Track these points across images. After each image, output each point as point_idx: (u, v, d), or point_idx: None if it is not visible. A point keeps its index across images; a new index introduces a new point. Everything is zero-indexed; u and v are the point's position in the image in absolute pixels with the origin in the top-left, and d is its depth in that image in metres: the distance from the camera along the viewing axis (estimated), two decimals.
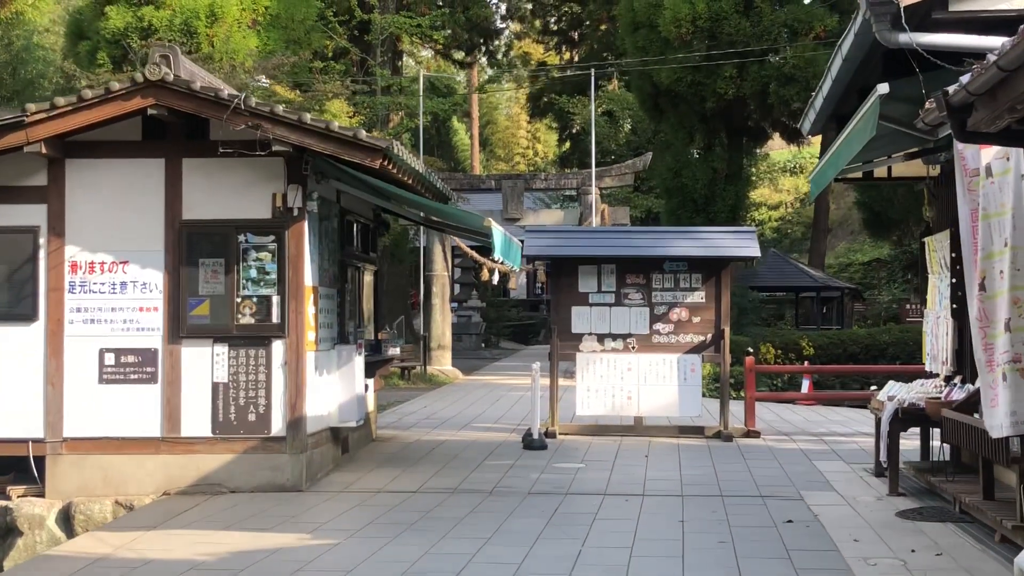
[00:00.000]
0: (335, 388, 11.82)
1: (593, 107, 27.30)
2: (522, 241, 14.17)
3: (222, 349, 10.89)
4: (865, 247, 47.70)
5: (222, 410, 10.86)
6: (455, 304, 38.69)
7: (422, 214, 12.73)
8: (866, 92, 8.53)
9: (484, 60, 40.90)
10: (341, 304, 12.36)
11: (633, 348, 14.66)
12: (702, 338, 14.65)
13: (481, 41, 36.64)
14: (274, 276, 10.86)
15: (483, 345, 37.45)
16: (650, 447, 13.72)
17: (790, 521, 9.21)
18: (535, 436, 13.57)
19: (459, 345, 35.77)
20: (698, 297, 14.69)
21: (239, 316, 10.86)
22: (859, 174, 11.96)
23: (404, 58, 36.97)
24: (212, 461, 10.84)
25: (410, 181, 11.57)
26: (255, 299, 10.88)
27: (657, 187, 30.69)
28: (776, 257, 34.73)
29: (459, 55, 39.30)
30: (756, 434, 14.66)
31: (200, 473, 10.82)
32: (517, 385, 23.38)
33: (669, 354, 14.59)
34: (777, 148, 52.45)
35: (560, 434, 14.63)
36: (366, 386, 12.95)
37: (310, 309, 11.12)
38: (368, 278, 14.06)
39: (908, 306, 35.83)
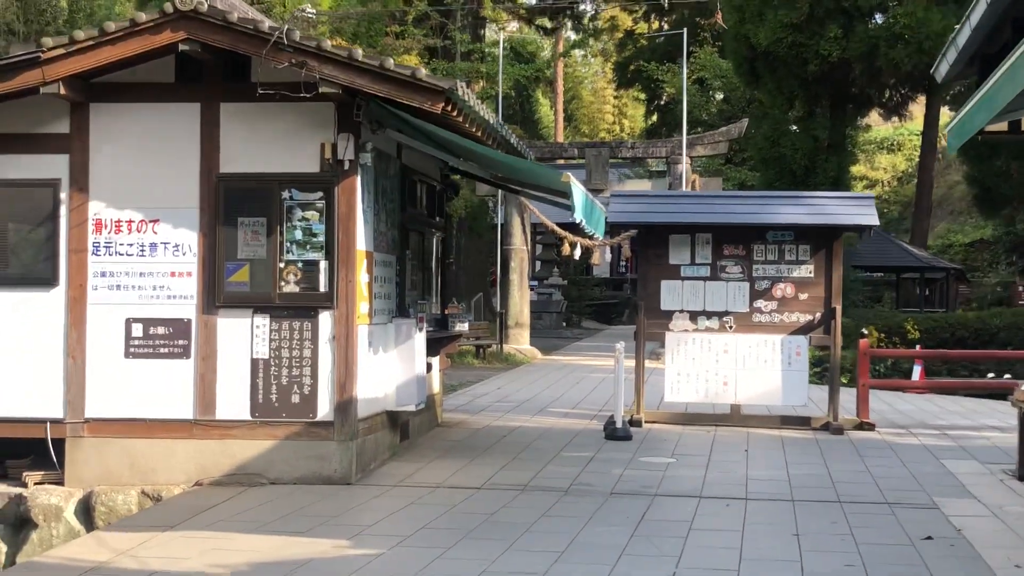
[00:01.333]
0: (392, 367, 10.42)
1: (685, 67, 25.51)
2: (607, 205, 12.64)
3: (263, 321, 9.55)
4: (966, 228, 45.33)
5: (262, 390, 9.53)
6: (535, 282, 37.27)
7: (493, 174, 11.25)
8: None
9: (569, 25, 39.20)
10: (401, 273, 10.95)
11: (730, 328, 13.04)
12: (809, 317, 12.97)
13: (567, 5, 34.97)
14: (322, 239, 9.48)
15: (564, 324, 35.94)
16: (749, 440, 12.11)
17: (929, 538, 7.57)
18: (618, 425, 12.05)
19: (538, 324, 34.32)
20: (805, 271, 13.01)
21: (282, 283, 9.51)
22: (1004, 125, 10.17)
23: (487, 26, 35.52)
24: (250, 448, 9.52)
25: (479, 133, 10.09)
26: (300, 264, 9.51)
27: (752, 158, 28.80)
28: (877, 235, 32.58)
29: (543, 21, 37.66)
30: (870, 427, 12.96)
31: (236, 461, 9.51)
32: (599, 367, 21.85)
33: (771, 335, 12.94)
34: (875, 126, 50.06)
35: (646, 422, 13.09)
36: (429, 365, 11.55)
37: (363, 277, 9.73)
38: (434, 246, 12.64)
39: (1021, 288, 33.56)
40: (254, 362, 9.54)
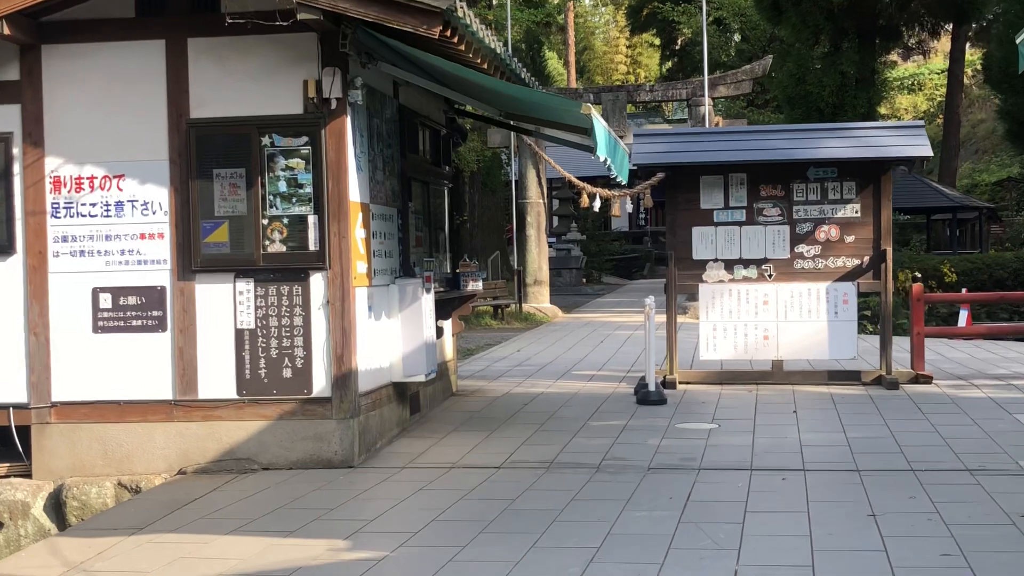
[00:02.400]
0: (396, 333, 9.27)
1: (705, 2, 24.08)
2: (629, 147, 11.45)
3: (246, 286, 8.40)
4: (992, 167, 43.95)
5: (249, 365, 8.40)
6: (553, 239, 36.08)
7: (503, 113, 10.04)
8: None
9: None
10: (404, 228, 9.77)
11: (770, 276, 11.84)
12: (857, 262, 11.74)
13: None
14: (309, 190, 8.31)
15: (584, 280, 34.76)
16: (795, 399, 10.95)
17: None
18: (651, 388, 10.89)
19: (558, 281, 33.18)
20: (851, 211, 11.77)
21: (266, 243, 8.35)
22: None
23: None
24: (238, 430, 8.41)
25: (484, 64, 8.88)
26: (286, 220, 8.34)
27: (777, 98, 27.42)
28: (906, 175, 31.17)
29: None
30: (927, 379, 11.76)
31: (223, 445, 8.40)
32: (623, 323, 20.68)
33: (815, 282, 11.74)
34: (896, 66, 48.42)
35: (680, 383, 11.93)
36: (440, 330, 10.41)
37: (358, 233, 8.57)
38: (441, 197, 11.46)
39: None
40: (239, 333, 8.40)
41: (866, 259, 11.76)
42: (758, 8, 26.31)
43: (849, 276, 11.75)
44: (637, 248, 43.50)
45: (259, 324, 8.37)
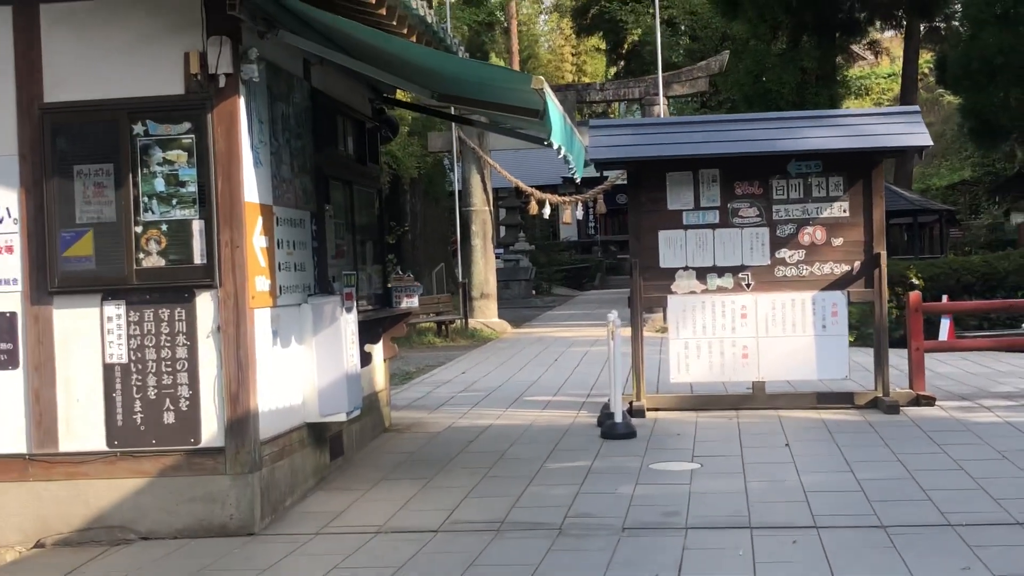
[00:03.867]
0: (310, 364, 7.62)
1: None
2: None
3: (117, 310, 6.72)
4: (942, 171, 43.18)
5: (122, 409, 6.72)
6: (501, 249, 34.56)
7: (436, 94, 8.44)
8: None
9: None
10: (320, 236, 8.12)
11: (748, 286, 10.35)
12: (846, 267, 10.29)
13: None
14: (194, 189, 6.66)
15: (533, 292, 33.24)
16: (784, 428, 9.45)
17: None
18: (617, 419, 9.33)
19: (507, 293, 31.64)
20: (838, 209, 10.32)
21: (141, 255, 6.68)
22: None
23: None
24: (110, 491, 6.72)
25: (411, 36, 7.30)
26: (165, 227, 6.69)
27: (734, 96, 26.10)
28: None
29: None
30: (929, 401, 10.31)
31: (92, 510, 6.71)
32: (578, 338, 19.14)
33: (800, 292, 10.27)
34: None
35: (649, 409, 10.38)
36: (367, 356, 8.79)
37: (258, 241, 6.93)
38: (369, 201, 9.84)
39: None
40: (108, 369, 6.72)
41: (857, 264, 10.31)
42: (712, 2, 24.98)
43: (838, 284, 10.29)
44: (587, 258, 42.10)
45: (133, 357, 6.70)
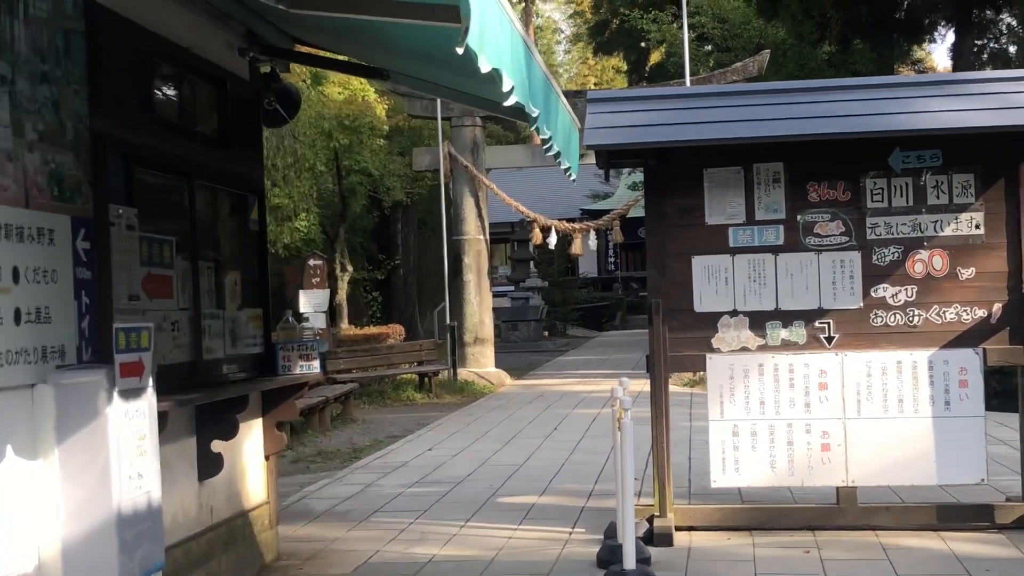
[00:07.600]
0: (48, 497, 4.07)
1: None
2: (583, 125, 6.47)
3: None
4: None
5: None
6: (511, 287, 31.08)
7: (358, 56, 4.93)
8: None
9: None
10: (100, 260, 4.58)
11: (830, 341, 6.79)
12: (981, 312, 6.72)
13: None
14: None
15: (545, 334, 29.66)
16: (895, 567, 5.84)
17: None
18: (628, 566, 5.68)
19: (514, 335, 28.16)
20: (967, 224, 6.76)
21: None
22: None
23: None
24: None
25: None
26: None
27: None
28: None
29: None
30: None
31: None
32: (588, 394, 15.56)
33: (909, 350, 6.70)
34: None
35: (680, 528, 6.80)
36: (213, 458, 5.24)
37: None
38: (239, 211, 6.33)
39: None
40: None
41: (997, 308, 6.73)
42: (749, 1, 21.56)
43: (968, 338, 6.72)
44: (607, 295, 38.65)
45: None
